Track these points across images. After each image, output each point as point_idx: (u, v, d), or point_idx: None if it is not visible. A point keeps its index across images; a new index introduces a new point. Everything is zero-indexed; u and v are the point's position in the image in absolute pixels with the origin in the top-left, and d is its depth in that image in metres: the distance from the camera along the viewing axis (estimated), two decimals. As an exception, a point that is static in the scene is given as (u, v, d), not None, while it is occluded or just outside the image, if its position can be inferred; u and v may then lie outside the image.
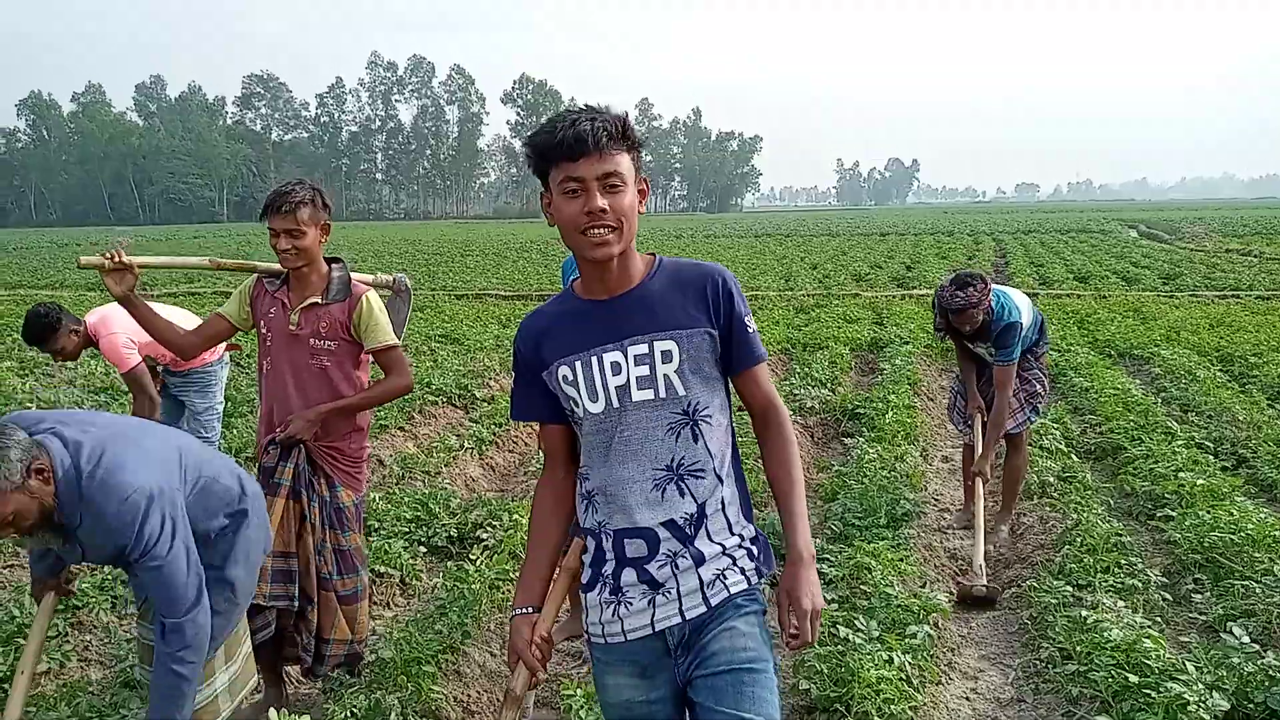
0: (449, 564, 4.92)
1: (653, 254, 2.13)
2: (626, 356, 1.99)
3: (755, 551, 2.07)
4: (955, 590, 4.70)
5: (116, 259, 3.26)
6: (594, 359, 2.00)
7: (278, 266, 3.54)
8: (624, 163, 1.93)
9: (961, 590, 4.66)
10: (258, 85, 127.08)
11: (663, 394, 1.98)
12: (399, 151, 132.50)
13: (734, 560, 2.03)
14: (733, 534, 2.04)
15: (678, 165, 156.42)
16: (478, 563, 4.46)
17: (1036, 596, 4.34)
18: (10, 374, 9.50)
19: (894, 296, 16.19)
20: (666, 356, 1.98)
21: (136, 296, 3.37)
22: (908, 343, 10.68)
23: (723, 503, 2.03)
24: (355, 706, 3.32)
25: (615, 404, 1.99)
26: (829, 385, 8.75)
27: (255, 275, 3.64)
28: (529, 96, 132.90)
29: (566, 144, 1.88)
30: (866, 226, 50.97)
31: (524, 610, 2.08)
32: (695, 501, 2.00)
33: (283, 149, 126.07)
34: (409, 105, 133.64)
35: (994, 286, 5.13)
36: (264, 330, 3.57)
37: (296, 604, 3.46)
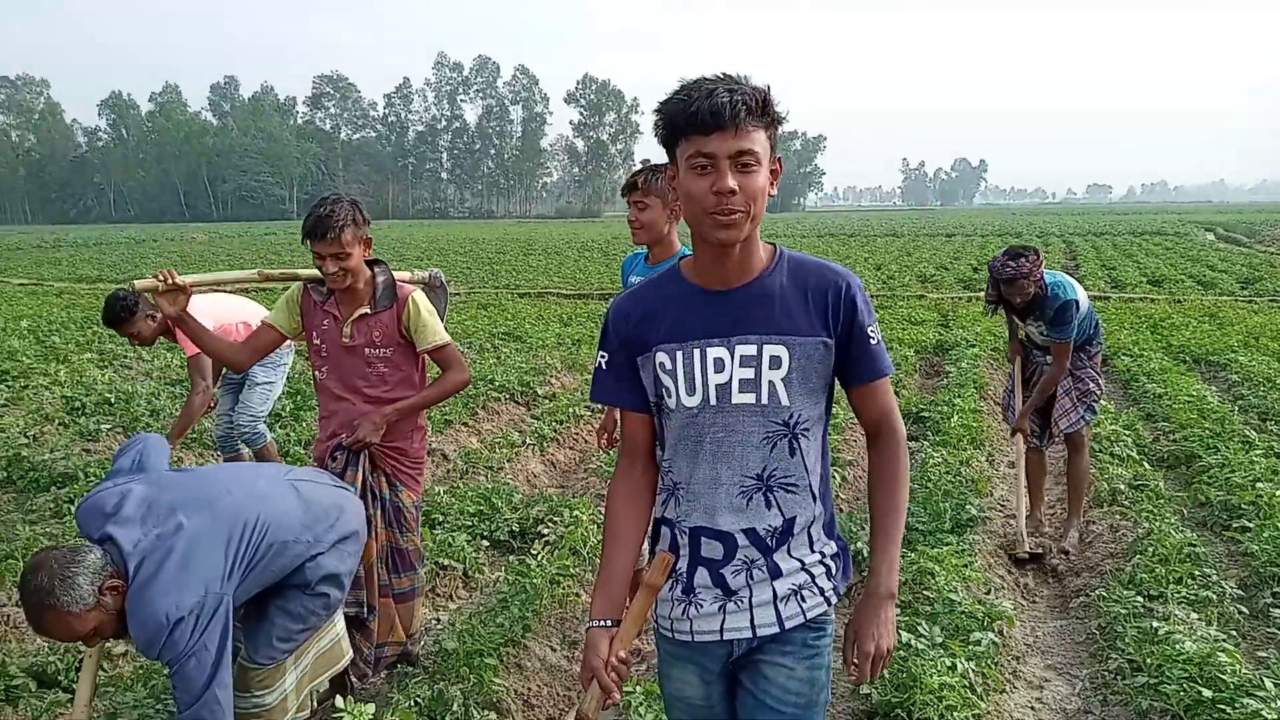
0: (510, 558, 4.99)
1: (774, 244, 1.96)
2: (733, 355, 1.86)
3: (834, 568, 1.99)
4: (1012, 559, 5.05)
5: (170, 281, 3.30)
6: (696, 351, 1.88)
7: (316, 273, 3.53)
8: (760, 140, 1.77)
9: (1014, 557, 5.00)
10: (327, 85, 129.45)
11: (765, 401, 1.86)
12: (464, 151, 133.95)
13: (813, 578, 1.95)
14: (814, 551, 1.96)
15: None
16: (539, 558, 4.51)
17: (1106, 606, 4.24)
18: (90, 365, 9.83)
19: (960, 298, 15.94)
20: (775, 362, 1.86)
21: (190, 315, 3.40)
22: (974, 345, 10.52)
23: (811, 520, 1.95)
24: (419, 696, 3.38)
25: (713, 401, 1.88)
26: (893, 388, 8.63)
27: (301, 284, 3.65)
28: (591, 96, 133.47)
29: (701, 116, 1.72)
30: (932, 227, 50.22)
31: (603, 623, 1.93)
32: (783, 515, 1.91)
33: (351, 148, 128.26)
34: (474, 105, 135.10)
35: (1047, 272, 5.14)
36: (317, 341, 3.60)
37: (365, 610, 3.51)
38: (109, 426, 7.28)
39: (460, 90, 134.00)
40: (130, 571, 2.48)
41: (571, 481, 6.77)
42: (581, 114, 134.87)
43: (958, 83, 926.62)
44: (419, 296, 3.59)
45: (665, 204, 3.62)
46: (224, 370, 5.61)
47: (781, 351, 1.86)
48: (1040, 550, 5.09)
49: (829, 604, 1.97)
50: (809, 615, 1.94)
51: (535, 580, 4.27)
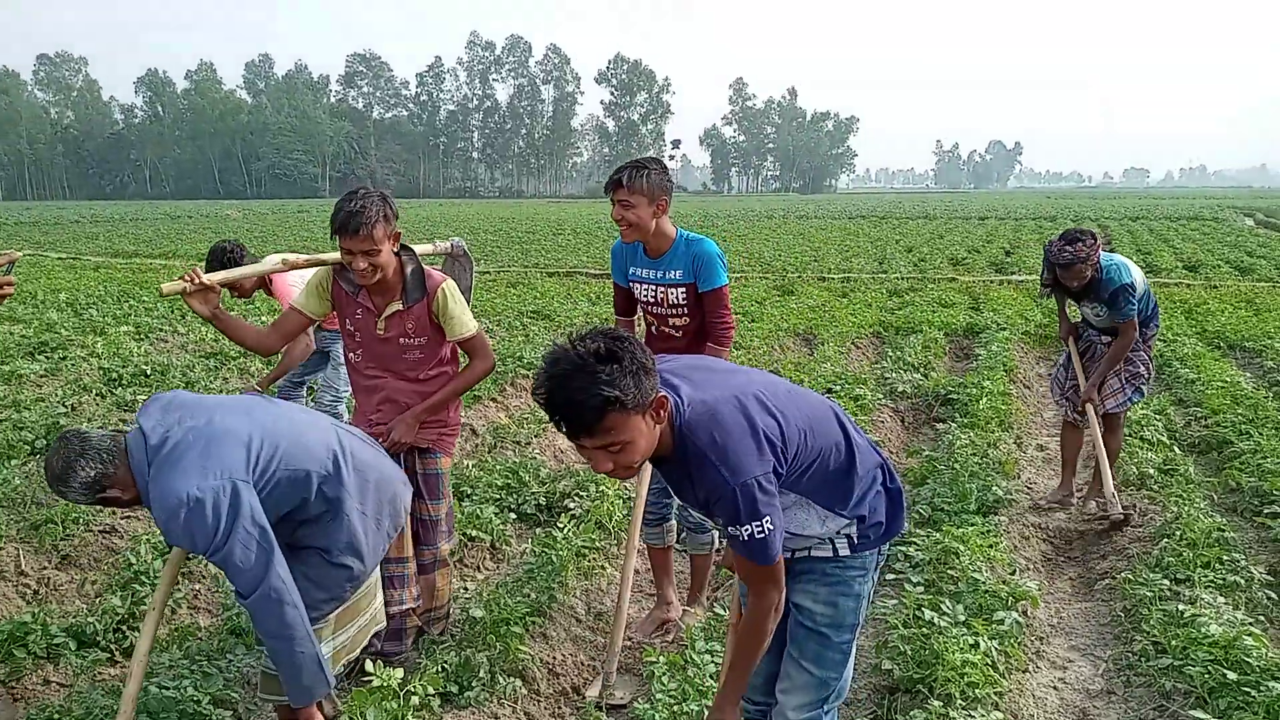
0: (537, 530, 5.05)
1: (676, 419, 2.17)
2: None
3: (844, 542, 2.41)
4: (1106, 521, 5.17)
5: (196, 281, 3.29)
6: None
7: (337, 257, 3.50)
8: (629, 427, 2.05)
9: (1112, 520, 5.11)
10: (360, 64, 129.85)
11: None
12: (495, 130, 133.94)
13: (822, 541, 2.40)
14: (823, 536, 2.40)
15: (771, 145, 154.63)
16: (565, 531, 4.55)
17: (1131, 589, 4.23)
18: (127, 338, 9.99)
19: (992, 282, 15.78)
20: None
21: (223, 311, 3.41)
22: (1005, 329, 10.43)
23: (818, 540, 2.41)
24: (446, 663, 3.44)
25: None
26: (921, 369, 8.62)
27: (329, 270, 3.63)
28: (623, 76, 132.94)
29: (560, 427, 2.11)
30: (965, 210, 49.68)
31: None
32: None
33: (383, 127, 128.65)
34: (505, 84, 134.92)
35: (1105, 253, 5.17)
36: (351, 328, 3.64)
37: (419, 604, 3.66)
38: (145, 397, 7.39)
39: (492, 70, 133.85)
40: (149, 451, 2.59)
41: (598, 458, 6.81)
42: (612, 94, 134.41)
43: (993, 64, 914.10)
44: (448, 288, 3.59)
45: (651, 200, 3.61)
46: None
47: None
48: (1129, 510, 5.16)
49: (835, 550, 2.38)
50: (813, 554, 2.40)
51: (561, 553, 4.32)
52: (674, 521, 4.17)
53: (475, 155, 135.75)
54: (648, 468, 3.70)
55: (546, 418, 6.04)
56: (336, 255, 3.51)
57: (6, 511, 4.77)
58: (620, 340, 2.01)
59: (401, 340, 3.58)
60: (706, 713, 2.39)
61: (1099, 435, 5.34)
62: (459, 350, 3.75)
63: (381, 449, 3.24)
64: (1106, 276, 5.04)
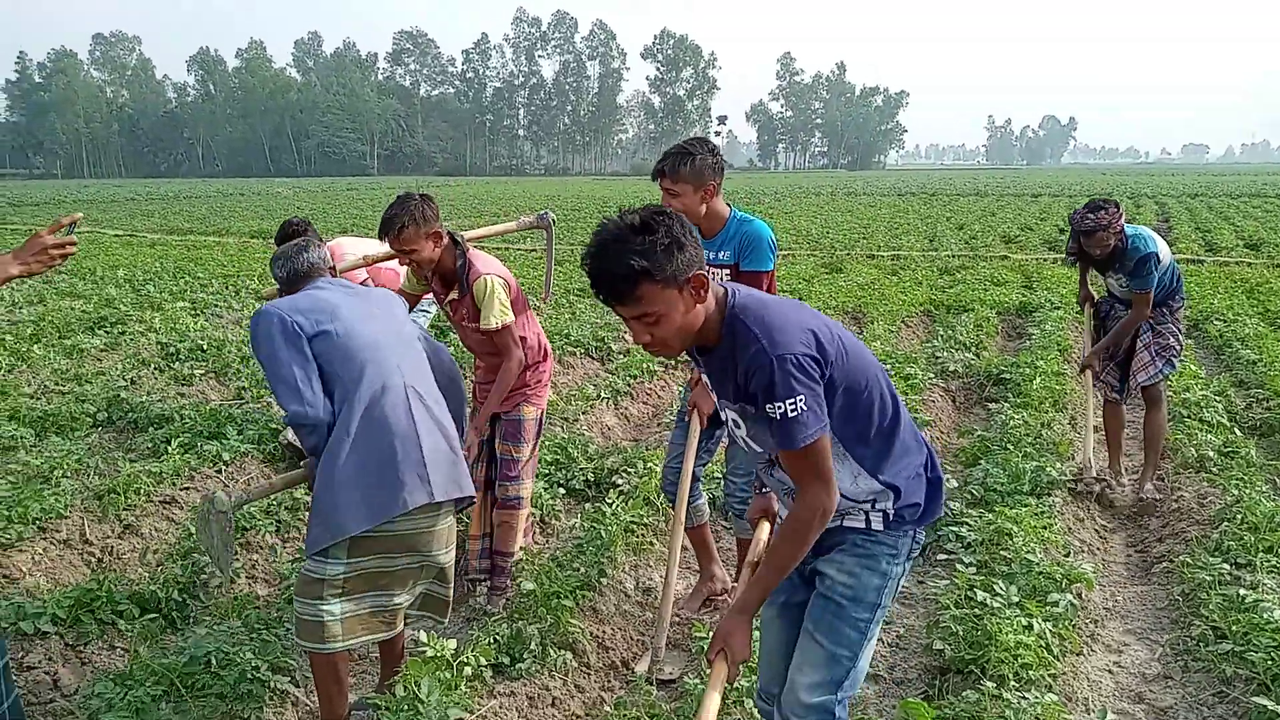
0: (586, 506, 5.08)
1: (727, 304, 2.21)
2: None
3: (878, 517, 2.34)
4: (1092, 498, 5.31)
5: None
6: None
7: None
8: (655, 297, 2.06)
9: (1100, 499, 5.31)
10: (407, 41, 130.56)
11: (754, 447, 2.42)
12: (540, 107, 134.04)
13: (857, 514, 2.35)
14: (859, 511, 2.36)
15: (819, 121, 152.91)
16: (614, 507, 4.57)
17: (1190, 573, 4.15)
18: (184, 314, 10.19)
19: (1045, 260, 15.50)
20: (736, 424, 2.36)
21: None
22: (1059, 308, 10.25)
23: (850, 507, 2.35)
24: (498, 635, 3.48)
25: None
26: (973, 349, 8.51)
27: None
28: (669, 52, 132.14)
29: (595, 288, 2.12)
30: (1017, 187, 48.79)
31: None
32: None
33: (430, 104, 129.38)
34: (551, 61, 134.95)
35: (1129, 225, 5.23)
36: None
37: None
38: (201, 371, 7.56)
39: (538, 46, 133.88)
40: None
41: (645, 435, 6.83)
42: (658, 69, 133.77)
43: (1047, 37, 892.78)
44: (490, 281, 3.84)
45: (698, 186, 3.64)
46: None
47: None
48: (1104, 482, 5.37)
49: (868, 521, 2.31)
50: (845, 523, 2.34)
51: (610, 528, 4.34)
52: (703, 498, 4.17)
53: (521, 132, 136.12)
54: (694, 441, 3.73)
55: (594, 395, 6.05)
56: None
57: (71, 482, 4.89)
58: (660, 214, 2.06)
59: (465, 324, 3.98)
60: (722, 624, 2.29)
61: (1092, 403, 5.66)
62: (529, 333, 4.07)
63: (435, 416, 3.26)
64: (1131, 246, 5.08)
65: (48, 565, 4.23)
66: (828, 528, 2.24)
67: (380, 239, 3.82)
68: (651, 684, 3.41)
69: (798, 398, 2.04)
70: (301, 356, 2.91)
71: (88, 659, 3.62)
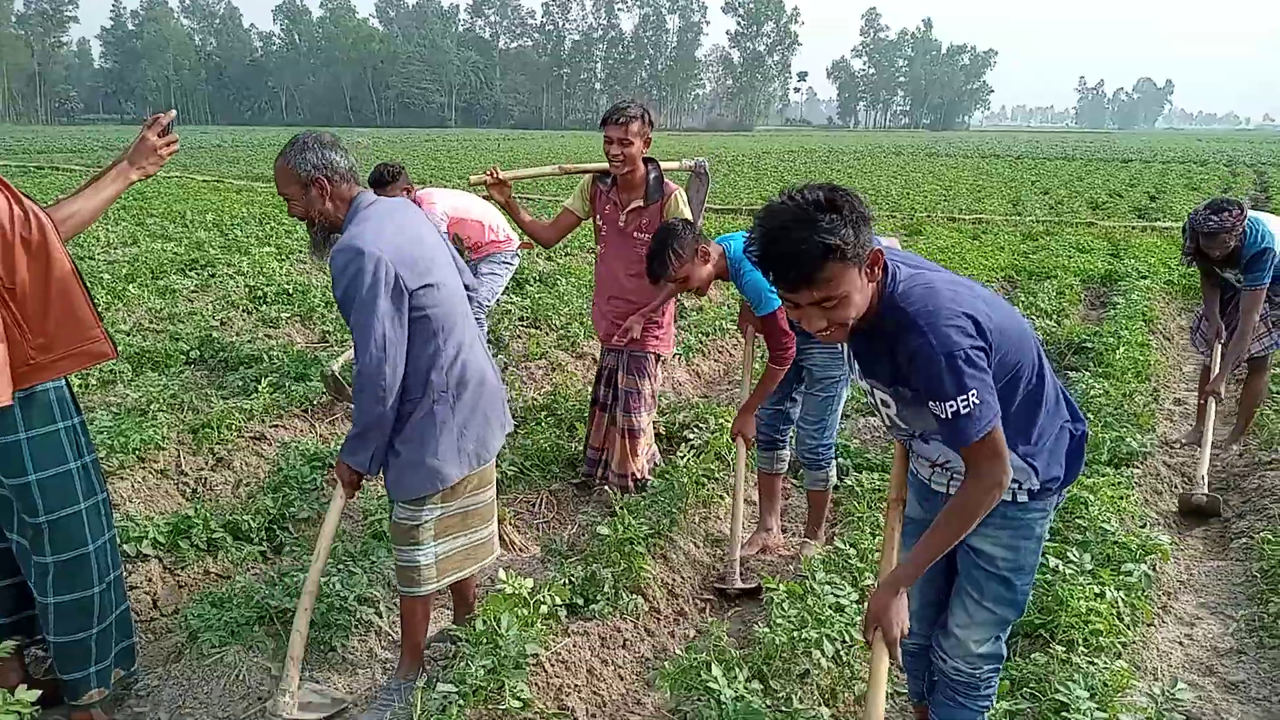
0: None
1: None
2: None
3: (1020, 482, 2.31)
4: (1177, 501, 4.91)
5: (495, 176, 4.35)
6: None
7: (605, 166, 4.39)
8: (836, 278, 2.01)
9: (1182, 499, 4.86)
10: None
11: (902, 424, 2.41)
12: (618, 61, 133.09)
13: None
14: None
15: (902, 79, 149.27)
16: (685, 460, 4.64)
17: (1270, 549, 4.07)
18: (270, 259, 10.48)
19: (1134, 228, 15.02)
20: (885, 404, 2.37)
21: (514, 201, 4.49)
22: (1146, 277, 9.96)
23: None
24: (573, 576, 3.59)
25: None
26: (1055, 316, 8.34)
27: (591, 175, 4.56)
28: (750, 5, 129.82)
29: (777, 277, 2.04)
30: (1107, 151, 47.13)
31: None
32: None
33: (508, 56, 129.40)
34: (630, 14, 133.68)
35: (1249, 214, 5.04)
36: (600, 224, 4.56)
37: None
38: (288, 315, 7.80)
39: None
40: (350, 211, 2.86)
41: (716, 391, 6.87)
42: (739, 24, 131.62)
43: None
44: (681, 194, 4.43)
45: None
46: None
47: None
48: (1212, 507, 4.80)
49: (1014, 497, 2.30)
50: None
51: (682, 479, 4.41)
52: (787, 451, 4.27)
53: (598, 86, 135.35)
54: (741, 465, 4.00)
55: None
56: (600, 165, 4.48)
57: (167, 415, 5.12)
58: (839, 190, 1.99)
59: (636, 235, 4.39)
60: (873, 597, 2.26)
61: (1209, 430, 5.18)
62: None
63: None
64: (1249, 243, 4.96)
65: (145, 493, 4.46)
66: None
67: (603, 126, 4.23)
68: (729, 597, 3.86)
69: (969, 393, 1.99)
70: (400, 315, 2.74)
71: (184, 582, 3.83)
